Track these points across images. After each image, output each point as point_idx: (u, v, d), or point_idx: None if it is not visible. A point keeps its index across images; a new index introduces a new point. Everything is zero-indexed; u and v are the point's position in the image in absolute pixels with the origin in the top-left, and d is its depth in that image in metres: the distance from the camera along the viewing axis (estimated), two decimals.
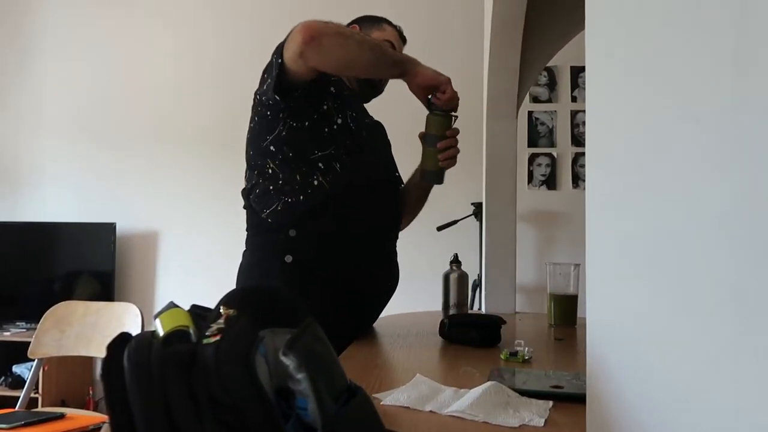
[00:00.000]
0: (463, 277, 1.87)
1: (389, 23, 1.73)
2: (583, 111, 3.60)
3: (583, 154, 3.47)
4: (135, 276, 3.93)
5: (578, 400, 0.83)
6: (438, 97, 1.46)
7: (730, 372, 0.41)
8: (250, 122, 1.55)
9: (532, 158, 3.74)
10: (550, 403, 0.89)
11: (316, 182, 1.48)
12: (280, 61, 1.39)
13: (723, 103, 0.42)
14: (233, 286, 1.12)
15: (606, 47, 0.64)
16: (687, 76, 0.47)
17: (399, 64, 1.46)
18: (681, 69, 0.48)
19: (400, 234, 1.70)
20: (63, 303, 2.54)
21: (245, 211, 1.59)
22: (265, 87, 1.46)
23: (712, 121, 0.43)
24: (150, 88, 4.00)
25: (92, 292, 3.71)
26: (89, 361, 3.55)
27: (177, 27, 4.02)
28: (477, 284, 2.97)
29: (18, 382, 3.40)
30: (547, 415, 0.85)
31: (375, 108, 1.73)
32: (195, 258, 3.87)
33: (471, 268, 2.29)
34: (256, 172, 1.53)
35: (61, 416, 2.27)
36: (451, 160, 1.54)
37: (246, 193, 1.56)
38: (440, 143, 1.51)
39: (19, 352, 2.99)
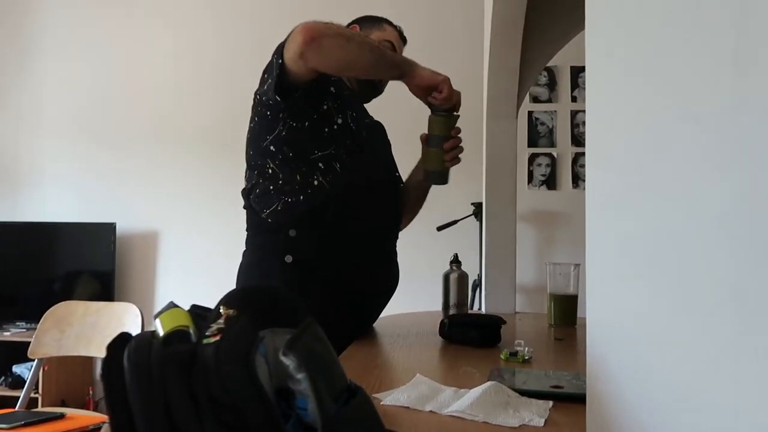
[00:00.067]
0: (463, 277, 1.87)
1: (390, 23, 1.73)
2: (583, 111, 3.60)
3: (583, 154, 3.47)
4: (135, 276, 3.93)
5: (578, 400, 0.83)
6: (434, 97, 1.46)
7: (730, 372, 0.41)
8: (250, 122, 1.55)
9: (532, 158, 3.74)
10: (550, 403, 0.89)
11: (316, 182, 1.48)
12: (280, 61, 1.39)
13: (723, 103, 0.42)
14: (233, 286, 1.12)
15: (606, 47, 0.64)
16: (687, 76, 0.47)
17: (398, 66, 1.46)
18: (681, 69, 0.48)
19: (400, 234, 1.70)
20: (63, 303, 2.54)
21: (245, 211, 1.59)
22: (265, 87, 1.46)
23: (712, 121, 0.43)
24: (150, 88, 4.00)
25: (92, 292, 3.71)
26: (89, 361, 3.55)
27: (177, 27, 4.02)
28: (477, 284, 2.97)
29: (18, 382, 3.40)
30: (547, 415, 0.85)
31: (375, 108, 1.73)
32: (195, 258, 3.87)
33: (471, 268, 2.29)
34: (256, 172, 1.53)
35: (61, 416, 2.27)
36: (456, 159, 1.55)
37: (246, 193, 1.57)
38: (447, 143, 1.52)
39: (19, 352, 2.99)
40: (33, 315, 3.16)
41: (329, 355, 0.56)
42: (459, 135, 1.54)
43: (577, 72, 3.71)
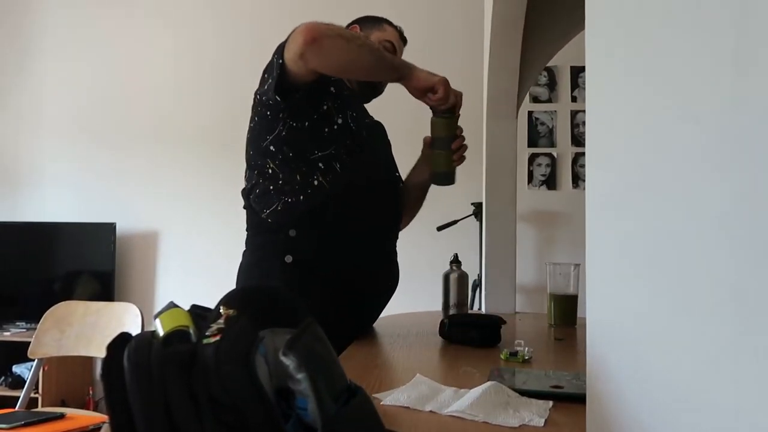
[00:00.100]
0: (463, 277, 1.87)
1: (390, 24, 1.73)
2: (583, 111, 3.60)
3: (583, 154, 3.47)
4: (135, 276, 3.93)
5: (578, 400, 0.83)
6: (429, 97, 1.47)
7: (730, 372, 0.41)
8: (250, 122, 1.55)
9: (532, 158, 3.74)
10: (550, 403, 0.89)
11: (316, 182, 1.48)
12: (281, 61, 1.39)
13: (723, 103, 0.42)
14: (233, 286, 1.12)
15: (606, 47, 0.64)
16: (687, 76, 0.47)
17: (397, 69, 1.47)
18: (681, 69, 0.48)
19: (400, 234, 1.70)
20: (63, 303, 2.54)
21: (245, 211, 1.59)
22: (265, 87, 1.46)
23: (712, 121, 0.43)
24: (150, 88, 4.00)
25: (92, 292, 3.71)
26: (89, 361, 3.55)
27: (177, 27, 4.02)
28: (477, 284, 2.97)
29: (18, 382, 3.40)
30: (547, 415, 0.85)
31: (375, 108, 1.74)
32: (195, 258, 3.87)
33: (471, 268, 2.29)
34: (256, 172, 1.53)
35: (61, 416, 2.27)
36: (463, 158, 1.57)
37: (246, 193, 1.57)
38: (454, 144, 1.53)
39: (19, 352, 2.99)
40: (33, 315, 3.16)
41: (329, 355, 0.56)
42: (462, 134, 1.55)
43: (577, 72, 3.71)
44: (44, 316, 2.46)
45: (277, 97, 1.42)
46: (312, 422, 0.51)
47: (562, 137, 3.73)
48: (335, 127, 1.50)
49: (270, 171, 1.50)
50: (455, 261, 1.88)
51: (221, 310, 0.54)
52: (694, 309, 0.46)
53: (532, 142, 3.74)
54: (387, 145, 1.72)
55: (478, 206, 3.16)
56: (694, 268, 0.46)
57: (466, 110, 1.63)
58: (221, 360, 0.49)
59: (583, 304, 1.36)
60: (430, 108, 1.51)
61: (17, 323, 3.71)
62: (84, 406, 3.52)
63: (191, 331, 0.53)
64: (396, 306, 1.72)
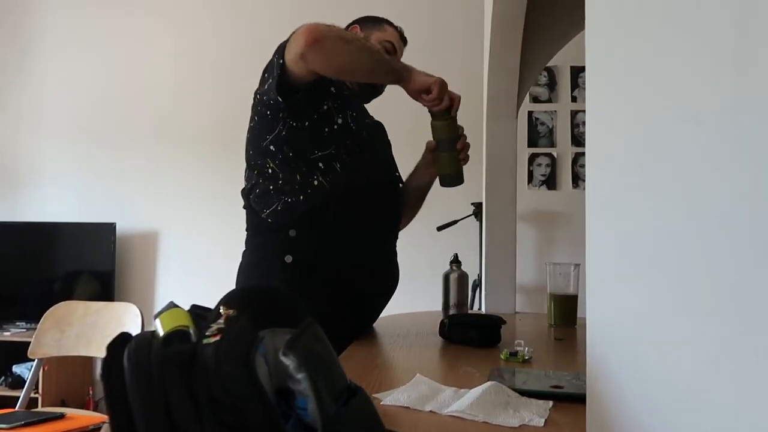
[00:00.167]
0: (463, 277, 1.87)
1: (390, 24, 1.73)
2: (583, 111, 3.60)
3: (583, 154, 3.47)
4: (135, 276, 3.93)
5: (578, 400, 0.83)
6: (423, 98, 1.47)
7: (730, 372, 0.41)
8: (250, 122, 1.55)
9: (532, 158, 3.74)
10: (550, 403, 0.89)
11: (316, 182, 1.48)
12: (281, 61, 1.39)
13: (723, 103, 0.42)
14: (233, 286, 1.12)
15: (606, 47, 0.64)
16: (687, 76, 0.47)
17: (396, 72, 1.47)
18: (681, 69, 0.48)
19: (400, 234, 1.70)
20: (63, 303, 2.54)
21: (245, 211, 1.59)
22: (266, 87, 1.46)
23: (712, 121, 0.43)
24: (150, 88, 4.00)
25: (92, 292, 3.71)
26: (89, 361, 3.55)
27: (177, 27, 4.02)
28: (477, 284, 2.97)
29: (18, 382, 3.40)
30: (547, 415, 0.85)
31: (375, 108, 1.74)
32: (195, 258, 3.87)
33: (471, 268, 2.29)
34: (256, 172, 1.53)
35: (61, 416, 2.27)
36: (467, 157, 1.58)
37: (246, 193, 1.56)
38: (459, 144, 1.54)
39: (19, 352, 2.99)
40: (33, 315, 3.16)
41: (329, 355, 0.56)
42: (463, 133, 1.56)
43: (577, 72, 3.71)
44: (44, 316, 2.46)
45: (278, 97, 1.42)
46: (312, 422, 0.51)
47: (562, 137, 3.73)
48: (335, 126, 1.50)
49: (270, 171, 1.50)
50: (455, 261, 1.88)
51: (221, 310, 0.54)
52: (694, 309, 0.46)
53: (532, 142, 3.74)
54: (387, 145, 1.73)
55: (478, 206, 3.16)
56: (694, 268, 0.46)
57: (467, 110, 1.63)
58: (221, 360, 0.49)
59: (583, 304, 1.36)
60: (428, 110, 1.51)
61: (17, 323, 3.71)
62: (84, 406, 3.52)
63: (191, 331, 0.53)
64: (396, 306, 1.72)
